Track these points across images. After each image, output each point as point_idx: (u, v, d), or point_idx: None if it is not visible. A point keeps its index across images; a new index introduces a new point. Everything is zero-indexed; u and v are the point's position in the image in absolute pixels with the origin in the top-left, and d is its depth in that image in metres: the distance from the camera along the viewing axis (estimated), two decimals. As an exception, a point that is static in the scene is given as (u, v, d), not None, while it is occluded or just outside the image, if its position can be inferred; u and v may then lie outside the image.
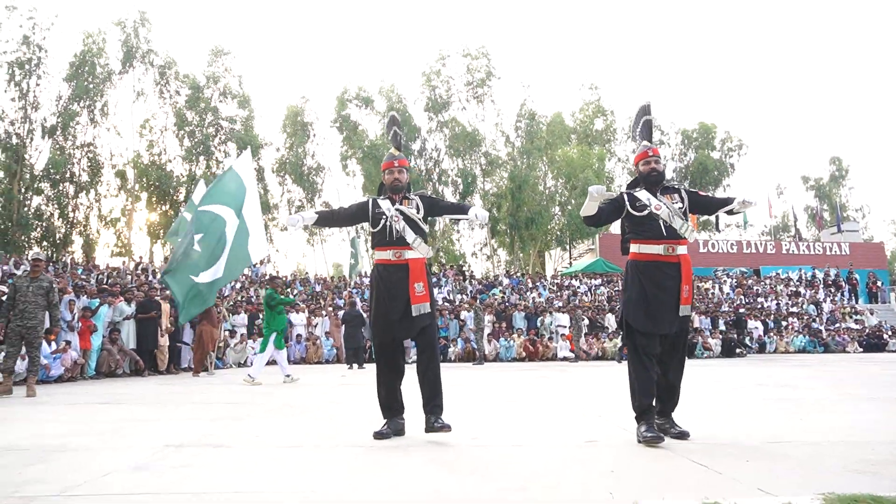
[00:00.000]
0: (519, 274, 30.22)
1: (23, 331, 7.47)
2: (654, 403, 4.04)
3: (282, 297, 10.24)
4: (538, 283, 26.71)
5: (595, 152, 35.81)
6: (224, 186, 9.95)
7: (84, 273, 21.80)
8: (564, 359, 18.36)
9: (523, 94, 35.19)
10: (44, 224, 28.12)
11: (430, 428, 4.15)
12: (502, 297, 23.29)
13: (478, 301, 20.35)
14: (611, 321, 21.13)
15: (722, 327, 21.82)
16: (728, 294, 28.86)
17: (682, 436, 4.08)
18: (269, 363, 10.85)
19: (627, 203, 4.30)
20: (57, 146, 28.30)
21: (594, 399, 7.08)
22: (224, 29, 62.15)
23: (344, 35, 66.62)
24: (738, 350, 20.20)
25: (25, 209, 27.02)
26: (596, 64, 70.73)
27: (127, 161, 30.43)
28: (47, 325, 8.08)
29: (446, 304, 22.29)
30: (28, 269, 7.78)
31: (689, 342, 18.03)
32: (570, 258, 37.88)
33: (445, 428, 4.09)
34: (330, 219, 4.85)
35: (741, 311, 23.78)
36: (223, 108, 31.99)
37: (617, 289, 27.84)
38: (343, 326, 16.32)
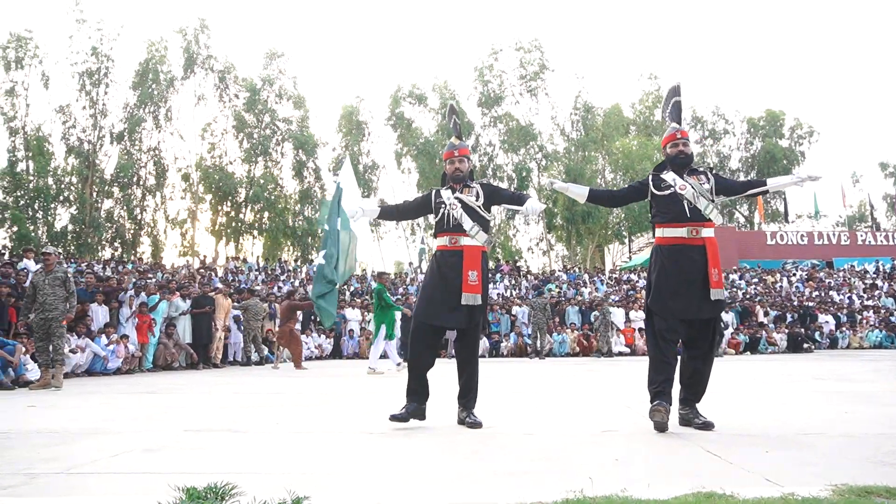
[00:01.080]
0: (576, 269, 29.77)
1: (45, 323, 7.78)
2: (667, 388, 3.85)
3: (388, 296, 10.58)
4: (595, 278, 26.22)
5: (654, 143, 34.83)
6: (333, 204, 10.77)
7: (151, 272, 22.80)
8: (620, 354, 17.94)
9: (578, 85, 34.58)
10: (114, 226, 29.53)
11: (461, 421, 4.17)
12: (558, 293, 22.97)
13: (531, 296, 20.13)
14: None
15: (789, 321, 20.85)
16: (797, 287, 27.57)
17: (706, 426, 3.89)
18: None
19: (651, 184, 4.17)
20: (125, 151, 29.65)
21: (627, 391, 6.85)
22: (279, 31, 63.54)
23: (397, 33, 67.15)
24: (805, 345, 19.26)
25: (96, 212, 28.40)
26: (655, 53, 68.78)
27: (190, 164, 31.61)
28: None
29: (500, 298, 22.17)
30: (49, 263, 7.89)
31: (754, 336, 17.53)
32: (630, 252, 37.04)
33: (477, 425, 4.06)
34: (393, 212, 4.80)
35: (810, 304, 22.67)
36: (279, 109, 32.82)
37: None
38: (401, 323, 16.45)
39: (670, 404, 3.85)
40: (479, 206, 4.33)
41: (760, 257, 33.25)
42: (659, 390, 3.86)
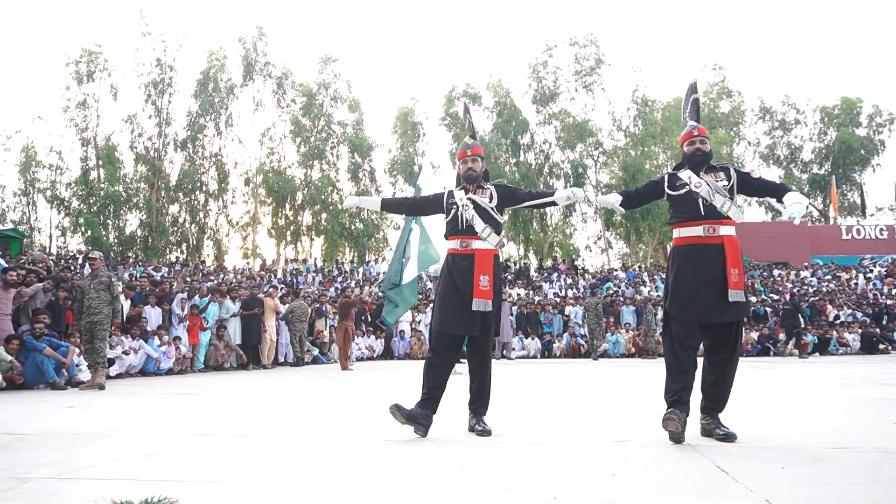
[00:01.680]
0: (636, 267, 29.02)
1: (90, 326, 8.06)
2: (684, 396, 3.62)
3: None
4: (656, 276, 25.46)
5: (717, 136, 33.59)
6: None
7: (214, 275, 23.59)
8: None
9: (635, 79, 33.71)
10: (178, 230, 30.75)
11: (471, 429, 4.08)
12: (616, 291, 22.43)
13: (587, 295, 19.75)
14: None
15: (865, 320, 19.67)
16: (875, 284, 25.98)
17: (728, 438, 3.64)
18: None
19: (666, 183, 3.99)
20: (188, 158, 30.83)
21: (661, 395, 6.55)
22: (335, 35, 64.56)
23: (451, 33, 67.05)
24: (881, 346, 18.13)
25: (162, 217, 29.62)
26: (719, 42, 66.35)
27: (251, 169, 32.54)
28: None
29: (555, 298, 21.84)
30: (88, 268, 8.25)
31: (823, 337, 16.54)
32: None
33: (486, 433, 3.95)
34: (399, 205, 4.78)
35: (888, 302, 21.35)
36: (335, 113, 33.41)
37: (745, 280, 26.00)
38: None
39: (687, 414, 3.61)
40: (493, 209, 4.21)
41: (835, 253, 31.59)
42: (675, 399, 3.64)
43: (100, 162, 28.86)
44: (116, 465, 3.22)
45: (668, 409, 3.58)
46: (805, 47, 66.13)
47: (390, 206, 4.75)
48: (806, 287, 24.80)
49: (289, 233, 32.43)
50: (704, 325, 3.77)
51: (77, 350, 8.70)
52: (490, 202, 4.22)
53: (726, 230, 3.79)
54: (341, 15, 63.55)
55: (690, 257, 3.79)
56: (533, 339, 17.87)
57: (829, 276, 26.82)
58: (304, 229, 32.99)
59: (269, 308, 13.25)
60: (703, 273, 3.73)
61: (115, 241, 29.02)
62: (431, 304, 19.44)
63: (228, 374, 11.49)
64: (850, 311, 20.36)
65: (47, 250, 27.50)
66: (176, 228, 30.85)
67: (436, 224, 11.47)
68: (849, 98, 39.95)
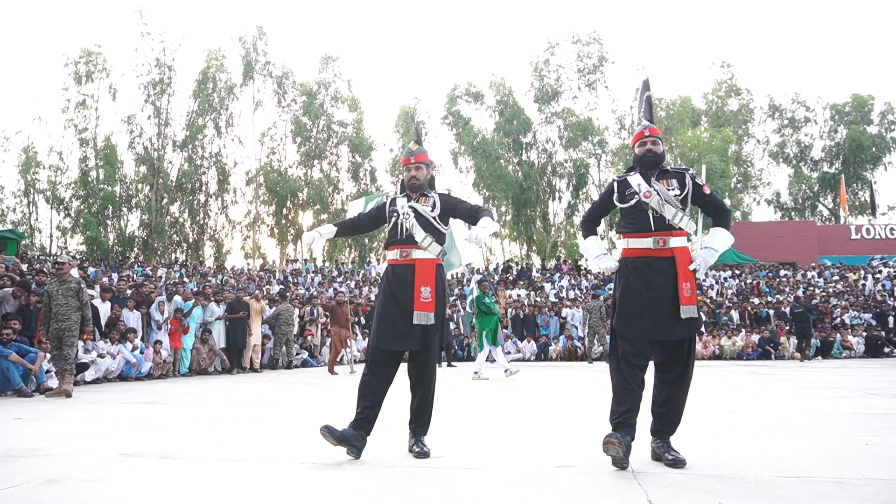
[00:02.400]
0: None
1: (58, 332, 7.87)
2: (630, 419, 3.35)
3: (487, 301, 10.73)
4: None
5: (724, 134, 33.12)
6: None
7: (213, 275, 23.48)
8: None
9: (639, 77, 33.24)
10: (176, 230, 30.70)
11: (410, 450, 3.82)
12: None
13: (589, 298, 19.43)
14: (734, 317, 19.40)
15: (871, 323, 19.21)
16: (884, 285, 25.45)
17: (676, 463, 3.37)
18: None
19: (616, 192, 3.73)
20: (188, 158, 30.77)
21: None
22: (336, 34, 64.39)
23: (453, 30, 66.63)
24: (886, 349, 17.69)
25: (161, 218, 29.55)
26: (726, 39, 65.56)
27: (250, 169, 32.44)
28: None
29: (556, 300, 21.55)
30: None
31: (827, 340, 16.15)
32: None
33: (423, 455, 3.71)
34: (352, 227, 4.46)
35: (893, 303, 20.86)
36: (335, 112, 33.25)
37: (750, 281, 25.59)
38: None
39: (631, 437, 3.35)
40: (435, 218, 3.97)
41: (843, 253, 31.05)
42: (619, 421, 3.37)
43: (99, 162, 28.83)
44: (10, 492, 3.00)
45: (610, 432, 3.31)
46: (815, 44, 65.33)
47: (344, 229, 4.45)
48: (812, 288, 24.35)
49: (290, 233, 32.27)
50: (654, 343, 3.50)
51: (46, 356, 8.52)
52: (432, 211, 3.99)
53: (677, 242, 3.53)
54: (342, 14, 63.43)
55: (639, 271, 3.54)
56: (528, 341, 17.58)
57: (836, 277, 26.33)
58: (305, 230, 32.85)
59: (255, 311, 13.05)
60: (653, 288, 3.48)
61: (115, 241, 28.96)
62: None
63: (209, 378, 11.30)
64: (855, 313, 19.92)
65: (47, 251, 27.58)
66: (176, 229, 30.78)
67: (460, 230, 11.56)
68: (860, 95, 39.30)
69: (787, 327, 18.06)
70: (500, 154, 32.93)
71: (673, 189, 3.58)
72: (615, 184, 3.77)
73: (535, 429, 4.86)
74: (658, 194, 3.55)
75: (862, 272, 26.82)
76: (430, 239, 3.92)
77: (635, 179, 3.65)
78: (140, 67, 29.94)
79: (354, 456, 3.70)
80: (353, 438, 3.70)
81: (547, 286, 24.56)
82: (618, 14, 59.70)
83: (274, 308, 13.85)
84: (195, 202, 31.26)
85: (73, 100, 28.80)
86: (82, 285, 8.19)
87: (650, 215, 3.54)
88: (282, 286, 22.30)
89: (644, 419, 3.54)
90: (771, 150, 40.84)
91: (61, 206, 28.49)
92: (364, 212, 4.69)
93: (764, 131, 40.80)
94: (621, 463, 3.29)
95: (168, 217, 30.46)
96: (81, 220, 27.28)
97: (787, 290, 23.82)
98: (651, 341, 3.49)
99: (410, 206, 4.00)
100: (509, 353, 16.86)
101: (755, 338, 17.42)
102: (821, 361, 15.69)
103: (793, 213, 40.55)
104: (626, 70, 42.03)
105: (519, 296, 21.35)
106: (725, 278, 25.93)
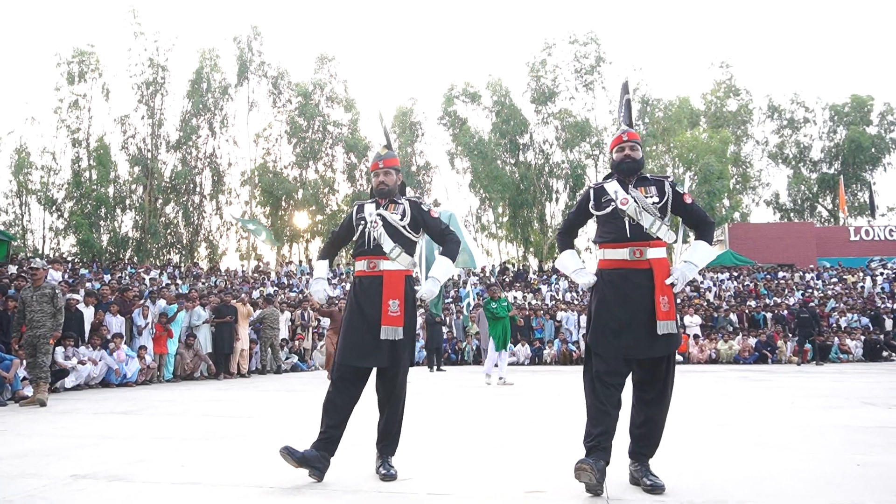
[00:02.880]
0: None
1: (32, 339, 7.66)
2: (604, 442, 3.15)
3: (493, 305, 10.61)
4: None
5: (722, 135, 32.89)
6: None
7: (206, 277, 23.25)
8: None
9: (636, 78, 33.02)
10: (171, 232, 30.45)
11: (377, 471, 3.60)
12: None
13: (586, 301, 19.23)
14: (734, 320, 19.19)
15: (868, 326, 19.00)
16: (883, 287, 25.23)
17: (655, 489, 3.16)
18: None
19: (592, 199, 3.53)
20: (181, 159, 30.53)
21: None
22: (332, 34, 64.19)
23: (450, 31, 66.32)
24: (884, 353, 17.47)
25: (154, 219, 29.29)
26: (725, 39, 65.33)
27: (247, 170, 32.21)
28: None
29: (552, 302, 21.36)
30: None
31: (824, 343, 15.93)
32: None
33: (389, 478, 3.50)
34: (332, 248, 4.23)
35: (892, 305, 20.66)
36: (331, 113, 33.01)
37: (746, 283, 25.39)
38: (427, 328, 16.09)
39: (606, 462, 3.14)
40: (405, 227, 3.76)
41: (843, 255, 30.85)
42: (593, 445, 3.16)
43: (92, 163, 28.58)
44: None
45: (582, 458, 3.10)
46: (814, 44, 65.16)
47: (329, 253, 4.22)
48: (810, 290, 24.14)
49: (285, 235, 32.01)
50: (631, 360, 3.30)
51: (22, 363, 8.30)
52: (402, 219, 3.77)
53: (655, 253, 3.32)
54: (338, 14, 63.17)
55: (615, 284, 3.33)
56: (523, 345, 17.38)
57: (834, 279, 26.13)
58: (300, 231, 32.64)
59: (243, 315, 12.83)
60: (629, 302, 3.27)
61: (109, 243, 28.71)
62: (420, 310, 19.13)
63: (194, 385, 11.07)
64: (853, 316, 19.71)
65: (40, 253, 27.32)
66: (170, 230, 30.53)
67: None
68: (859, 96, 39.11)
69: (784, 331, 17.85)
70: (497, 155, 32.69)
71: (651, 196, 3.38)
72: (591, 191, 3.57)
73: (512, 448, 4.64)
74: (635, 201, 3.35)
75: (861, 274, 26.62)
76: (398, 249, 3.71)
77: (612, 186, 3.46)
78: (133, 67, 29.73)
79: (317, 478, 3.50)
80: (315, 460, 3.50)
81: (544, 288, 24.36)
82: (615, 14, 59.52)
83: (259, 311, 13.62)
84: (189, 203, 31.00)
85: (66, 100, 28.53)
86: (57, 290, 7.97)
87: (626, 223, 3.34)
88: (275, 288, 22.12)
89: (622, 440, 3.34)
90: (770, 151, 40.65)
91: (54, 208, 28.24)
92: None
93: (763, 132, 40.63)
94: (595, 489, 3.08)
95: (162, 218, 30.21)
96: (74, 222, 27.01)
97: (785, 291, 23.62)
98: (627, 359, 3.29)
99: (379, 214, 3.79)
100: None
101: (752, 341, 17.20)
102: (816, 367, 15.46)
103: (792, 215, 40.35)
104: (623, 70, 41.61)
105: (515, 298, 21.13)
106: (723, 280, 25.74)
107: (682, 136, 31.71)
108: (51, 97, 28.83)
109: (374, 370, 3.74)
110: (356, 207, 3.95)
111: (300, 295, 20.15)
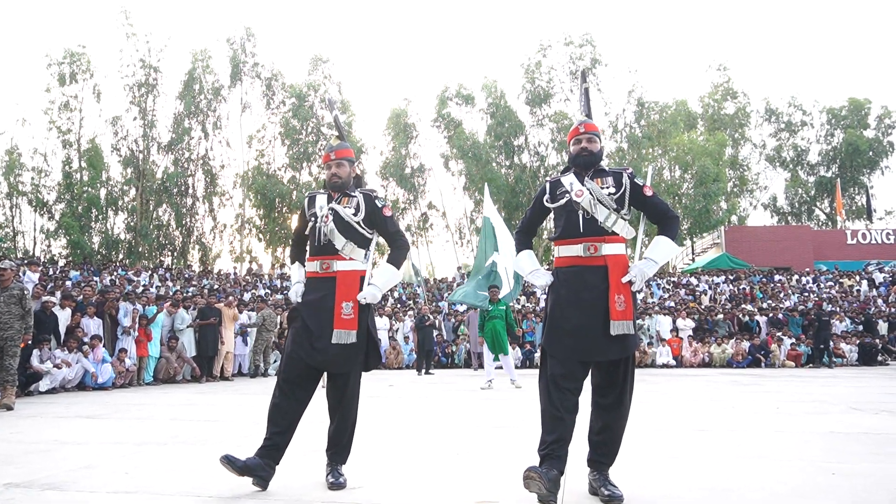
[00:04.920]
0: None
1: (0, 342, 7.47)
2: (558, 450, 2.96)
3: (490, 308, 10.52)
4: (652, 283, 24.62)
5: (717, 138, 32.77)
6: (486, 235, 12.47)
7: (197, 279, 23.06)
8: (665, 366, 16.62)
9: (632, 80, 32.91)
10: (163, 234, 30.28)
11: (325, 479, 3.42)
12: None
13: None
14: (725, 325, 18.99)
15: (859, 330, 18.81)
16: (880, 291, 25.04)
17: (612, 500, 2.98)
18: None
19: (547, 192, 3.35)
20: (174, 160, 30.36)
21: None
22: (324, 35, 64.16)
23: (444, 32, 66.46)
24: (879, 357, 17.28)
25: (146, 221, 29.12)
26: (724, 43, 65.33)
27: (241, 172, 32.04)
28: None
29: (537, 307, 21.15)
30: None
31: (825, 352, 15.87)
32: (693, 253, 34.95)
33: (337, 486, 3.32)
34: (299, 248, 3.97)
35: (892, 311, 20.47)
36: (324, 114, 32.85)
37: (742, 286, 25.19)
38: (417, 331, 15.94)
39: (559, 471, 2.94)
40: (358, 223, 3.55)
41: (840, 258, 30.71)
42: (547, 453, 2.97)
43: (83, 164, 28.40)
44: None
45: (531, 466, 2.91)
46: (812, 47, 65.13)
47: (295, 255, 3.99)
48: (807, 294, 23.96)
49: (278, 237, 31.84)
50: (586, 364, 3.12)
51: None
52: (356, 214, 3.55)
53: (611, 249, 3.13)
54: (332, 15, 63.14)
55: (570, 282, 3.15)
56: (513, 348, 17.16)
57: (830, 283, 25.95)
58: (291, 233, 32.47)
59: (228, 318, 12.64)
60: (583, 303, 3.08)
61: (101, 244, 28.52)
62: (410, 312, 18.96)
63: (174, 388, 10.87)
64: (849, 321, 19.52)
65: (31, 254, 27.14)
66: (160, 232, 30.34)
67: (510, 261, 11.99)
68: (856, 99, 39.14)
69: (780, 334, 17.65)
70: (492, 157, 32.53)
71: (608, 188, 3.19)
72: (547, 185, 3.39)
73: (474, 455, 4.45)
74: (590, 192, 3.16)
75: (857, 277, 26.45)
76: (351, 245, 3.51)
77: (568, 179, 3.28)
78: (125, 68, 29.63)
79: (261, 487, 3.32)
80: (259, 468, 3.31)
81: (538, 291, 24.16)
82: (611, 16, 59.53)
83: (258, 313, 13.44)
84: (182, 205, 30.82)
85: (57, 101, 28.42)
86: (26, 292, 7.79)
87: (580, 217, 3.16)
88: (267, 290, 21.90)
89: (582, 448, 3.16)
90: (767, 154, 40.61)
91: (44, 209, 28.06)
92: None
93: (760, 135, 40.63)
94: (547, 500, 2.88)
95: (154, 220, 30.03)
96: (65, 224, 26.84)
97: (781, 295, 23.44)
98: (584, 362, 3.10)
99: (331, 208, 3.59)
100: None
101: (745, 345, 17.01)
102: (809, 371, 15.29)
103: (789, 218, 40.26)
104: (619, 73, 41.47)
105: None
106: (718, 284, 25.54)
107: (679, 139, 31.58)
108: (42, 98, 28.78)
109: (325, 375, 3.57)
110: (307, 200, 3.73)
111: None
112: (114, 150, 29.58)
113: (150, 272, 22.53)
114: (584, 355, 3.07)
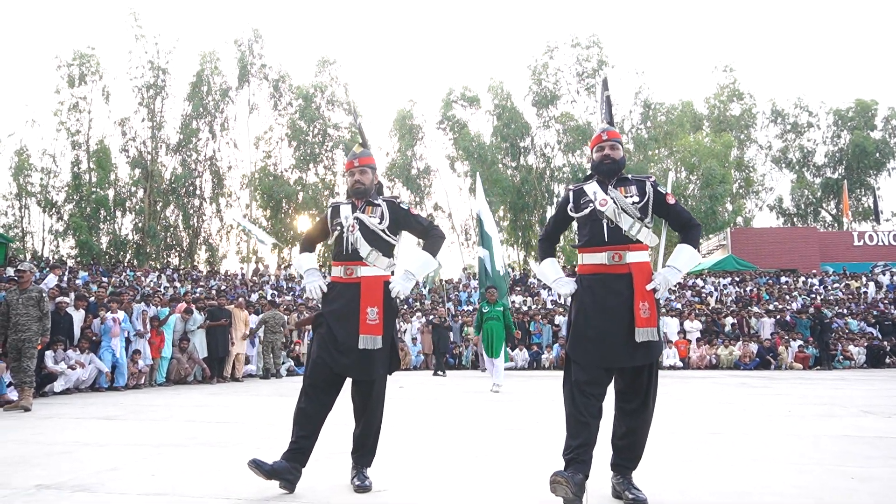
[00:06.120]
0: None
1: (17, 344, 7.55)
2: (583, 454, 3.01)
3: (486, 309, 10.38)
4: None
5: (724, 139, 32.74)
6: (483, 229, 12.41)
7: (205, 280, 23.16)
8: (672, 367, 16.64)
9: (638, 81, 32.94)
10: (170, 235, 30.41)
11: (351, 482, 3.48)
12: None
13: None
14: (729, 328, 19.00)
15: (871, 332, 18.77)
16: (887, 294, 24.97)
17: (637, 503, 3.03)
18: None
19: (571, 201, 3.40)
20: (182, 161, 30.50)
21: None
22: (331, 37, 64.22)
23: (450, 34, 66.34)
24: (888, 360, 17.27)
25: (154, 222, 29.25)
26: (731, 44, 65.23)
27: (248, 173, 32.17)
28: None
29: (552, 306, 21.17)
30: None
31: (829, 354, 15.91)
32: (700, 255, 34.93)
33: (363, 489, 3.38)
34: (310, 245, 4.04)
35: (895, 312, 20.43)
36: (332, 115, 33.00)
37: (749, 288, 25.16)
38: (433, 332, 16.02)
39: (585, 475, 3.00)
40: (384, 230, 3.61)
41: (846, 260, 30.60)
42: (572, 457, 3.03)
43: (91, 165, 28.56)
44: None
45: (557, 470, 2.97)
46: (818, 49, 64.94)
47: (305, 249, 4.04)
48: (813, 296, 23.93)
49: (285, 238, 31.93)
50: (611, 370, 3.17)
51: (5, 367, 8.19)
52: (381, 223, 3.62)
53: (635, 257, 3.18)
54: (339, 17, 63.20)
55: (594, 290, 3.20)
56: (521, 349, 17.23)
57: (837, 284, 25.89)
58: (300, 234, 32.59)
59: (239, 320, 12.71)
60: (607, 310, 3.14)
61: (109, 245, 28.66)
62: (418, 313, 19.01)
63: (185, 389, 10.95)
64: (856, 322, 19.49)
65: (40, 255, 27.31)
66: (168, 233, 30.47)
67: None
68: (863, 100, 39.03)
69: (787, 336, 17.65)
70: (498, 159, 32.57)
71: (631, 196, 3.25)
72: (570, 193, 3.44)
73: (496, 458, 4.50)
74: (614, 202, 3.22)
75: (864, 279, 26.39)
76: (375, 253, 3.57)
77: (591, 187, 3.33)
78: (134, 70, 29.82)
79: (288, 490, 3.38)
80: (286, 471, 3.37)
81: (544, 293, 24.17)
82: (618, 18, 59.49)
83: (260, 316, 13.49)
84: (189, 206, 30.95)
85: (66, 102, 28.57)
86: (44, 294, 7.86)
87: (605, 226, 3.22)
88: (274, 291, 21.99)
89: (606, 452, 3.21)
90: (773, 156, 40.54)
91: (53, 210, 28.22)
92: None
93: (766, 136, 40.56)
94: (573, 503, 2.95)
95: (161, 221, 30.16)
96: (73, 224, 26.99)
97: (787, 297, 23.41)
98: (608, 368, 3.16)
99: (356, 218, 3.65)
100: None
101: (753, 347, 17.02)
102: (818, 373, 15.30)
103: (795, 219, 40.17)
104: (625, 74, 41.54)
105: (513, 302, 20.98)
106: (725, 285, 25.52)
107: (685, 140, 31.57)
108: (51, 100, 28.94)
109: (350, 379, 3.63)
110: (331, 210, 3.80)
111: (297, 299, 20.01)
112: (122, 151, 29.76)
113: (157, 273, 22.64)
114: (607, 362, 3.12)
